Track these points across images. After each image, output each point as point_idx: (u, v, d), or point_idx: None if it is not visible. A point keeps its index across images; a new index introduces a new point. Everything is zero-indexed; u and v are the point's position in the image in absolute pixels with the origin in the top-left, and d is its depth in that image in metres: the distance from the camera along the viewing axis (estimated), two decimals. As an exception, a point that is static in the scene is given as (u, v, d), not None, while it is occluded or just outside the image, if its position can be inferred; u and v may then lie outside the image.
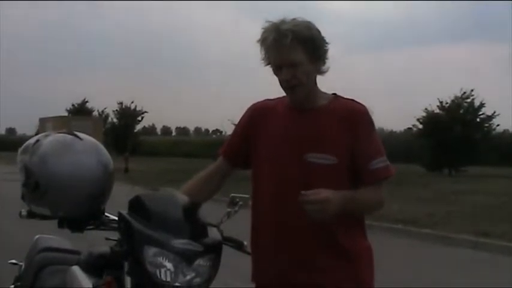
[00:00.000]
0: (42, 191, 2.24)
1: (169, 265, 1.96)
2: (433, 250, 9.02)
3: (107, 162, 2.37)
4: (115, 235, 2.20)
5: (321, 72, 2.34)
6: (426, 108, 28.13)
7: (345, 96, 2.40)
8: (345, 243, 2.30)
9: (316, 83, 2.36)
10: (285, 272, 2.30)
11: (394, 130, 44.65)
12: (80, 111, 46.87)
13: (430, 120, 27.51)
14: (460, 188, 17.27)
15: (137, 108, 46.66)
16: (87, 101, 49.14)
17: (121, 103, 46.80)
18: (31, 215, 2.35)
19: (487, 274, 7.38)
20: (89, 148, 2.35)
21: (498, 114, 27.37)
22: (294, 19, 2.26)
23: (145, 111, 47.20)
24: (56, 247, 3.05)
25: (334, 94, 2.41)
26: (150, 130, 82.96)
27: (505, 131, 34.34)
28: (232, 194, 2.35)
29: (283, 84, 2.29)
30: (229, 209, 2.32)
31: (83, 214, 2.31)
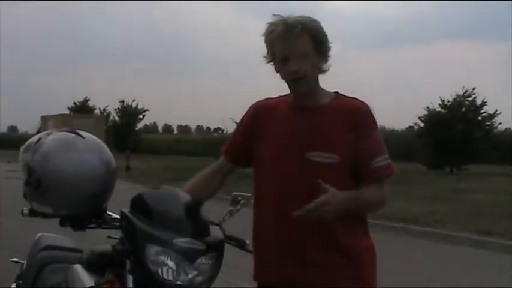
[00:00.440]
0: (44, 190, 2.24)
1: (171, 263, 1.97)
2: (435, 248, 9.02)
3: (109, 161, 2.37)
4: (117, 233, 2.20)
5: (323, 71, 2.35)
6: (428, 107, 28.18)
7: (347, 95, 2.41)
8: (347, 242, 2.29)
9: (318, 81, 2.36)
10: (287, 271, 2.30)
11: (395, 128, 44.70)
12: (82, 109, 46.94)
13: (432, 119, 27.52)
14: (461, 186, 17.28)
15: (139, 107, 46.77)
16: (88, 99, 49.28)
17: (122, 101, 46.91)
18: (33, 213, 2.35)
19: (488, 272, 7.38)
20: (91, 146, 2.35)
21: (500, 113, 27.39)
22: (299, 15, 2.28)
23: (147, 110, 47.34)
24: (57, 245, 3.05)
25: (336, 92, 2.41)
26: (152, 128, 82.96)
27: (507, 130, 34.35)
28: (234, 193, 2.36)
29: (289, 76, 2.27)
30: (231, 208, 2.32)
31: (84, 212, 2.30)
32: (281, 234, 2.31)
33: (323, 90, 2.38)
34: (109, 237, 2.28)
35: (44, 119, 37.86)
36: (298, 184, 2.25)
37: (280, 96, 2.46)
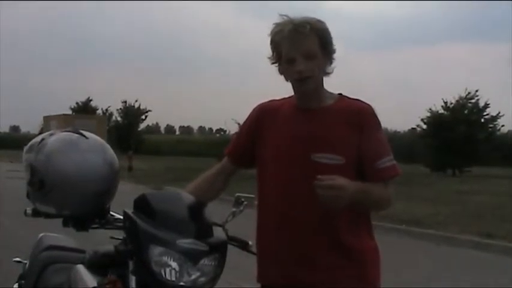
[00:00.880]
0: (47, 190, 2.24)
1: (174, 264, 1.96)
2: (437, 250, 9.01)
3: (113, 161, 2.37)
4: (120, 234, 2.20)
5: (327, 73, 2.35)
6: (430, 109, 28.16)
7: (351, 96, 2.41)
8: (352, 243, 2.29)
9: (323, 83, 2.36)
10: (291, 272, 2.30)
11: (398, 130, 44.68)
12: (84, 109, 46.95)
13: (434, 121, 27.50)
14: (463, 188, 17.25)
15: (141, 107, 46.79)
16: (91, 100, 49.29)
17: (125, 102, 46.97)
18: (36, 213, 2.35)
19: (490, 274, 7.37)
20: (95, 147, 2.35)
21: (503, 115, 27.36)
22: (305, 16, 2.28)
23: (149, 110, 47.39)
24: (60, 245, 3.06)
25: (340, 94, 2.41)
26: (154, 129, 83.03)
27: (509, 132, 34.31)
28: (238, 194, 2.35)
29: (296, 75, 2.27)
30: (234, 209, 2.32)
31: (88, 213, 2.30)
32: (285, 235, 2.30)
33: (327, 92, 2.38)
34: (112, 237, 2.28)
35: (47, 119, 37.85)
36: (302, 185, 2.24)
37: (284, 98, 2.46)
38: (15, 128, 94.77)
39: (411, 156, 26.93)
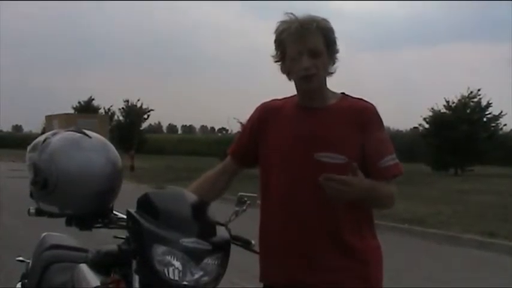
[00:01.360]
0: (50, 189, 2.24)
1: (177, 264, 1.96)
2: (439, 250, 9.00)
3: (116, 160, 2.37)
4: (123, 233, 2.20)
5: (330, 73, 2.35)
6: (432, 108, 28.07)
7: (353, 96, 2.41)
8: (355, 243, 2.29)
9: (326, 82, 2.36)
10: (294, 272, 2.30)
11: (400, 129, 44.60)
12: (86, 108, 46.94)
13: (437, 120, 27.42)
14: (466, 187, 17.22)
15: (143, 106, 46.76)
16: (93, 99, 49.26)
17: (127, 101, 46.90)
18: (39, 212, 2.35)
19: (492, 274, 7.36)
20: (98, 146, 2.35)
21: (505, 114, 27.28)
22: (310, 14, 2.29)
23: (151, 109, 47.31)
24: (63, 245, 3.06)
25: (343, 93, 2.41)
26: (156, 128, 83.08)
27: (512, 131, 34.21)
28: (240, 193, 2.35)
29: (302, 72, 2.27)
30: (237, 208, 2.32)
31: (91, 212, 2.31)
32: (289, 235, 2.31)
33: (329, 91, 2.38)
34: (115, 236, 2.28)
35: (49, 118, 37.91)
36: (305, 185, 2.24)
37: (286, 98, 2.46)
38: (17, 128, 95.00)
39: (413, 155, 26.83)
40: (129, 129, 44.51)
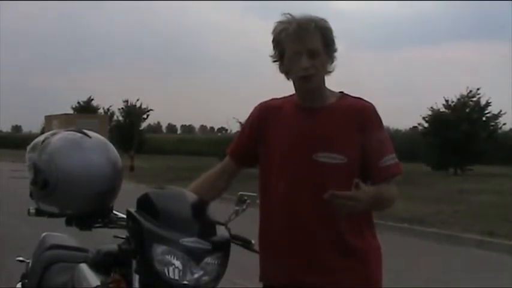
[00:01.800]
0: (50, 189, 2.24)
1: (177, 263, 1.97)
2: (439, 249, 9.00)
3: (116, 160, 2.38)
4: (123, 233, 2.21)
5: (329, 72, 2.35)
6: (432, 107, 28.04)
7: (352, 95, 2.41)
8: (355, 243, 2.29)
9: (325, 82, 2.36)
10: (294, 272, 2.30)
11: (399, 129, 44.54)
12: (86, 109, 46.91)
13: (436, 119, 27.39)
14: (465, 187, 17.20)
15: (143, 106, 46.72)
16: (92, 99, 49.21)
17: (126, 101, 46.81)
18: (39, 213, 2.36)
19: (492, 273, 7.36)
20: (98, 146, 2.35)
21: (504, 113, 27.27)
22: (308, 14, 2.30)
23: (151, 109, 47.26)
24: (63, 245, 3.06)
25: (342, 92, 2.41)
26: (156, 128, 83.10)
27: (511, 130, 34.20)
28: (240, 193, 2.35)
29: (301, 72, 2.27)
30: (237, 208, 2.32)
31: (91, 212, 2.31)
32: (289, 235, 2.31)
33: (329, 90, 2.38)
34: (115, 236, 2.28)
35: (48, 118, 37.92)
36: (305, 185, 2.25)
37: (285, 97, 2.46)
38: (17, 128, 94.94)
39: (412, 154, 26.79)
40: (129, 129, 44.45)
